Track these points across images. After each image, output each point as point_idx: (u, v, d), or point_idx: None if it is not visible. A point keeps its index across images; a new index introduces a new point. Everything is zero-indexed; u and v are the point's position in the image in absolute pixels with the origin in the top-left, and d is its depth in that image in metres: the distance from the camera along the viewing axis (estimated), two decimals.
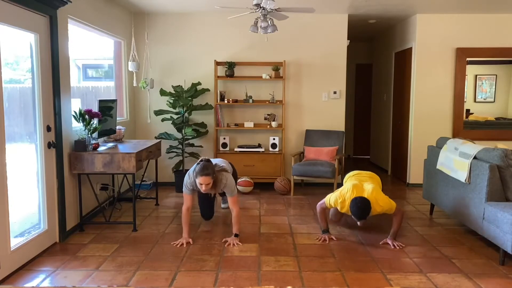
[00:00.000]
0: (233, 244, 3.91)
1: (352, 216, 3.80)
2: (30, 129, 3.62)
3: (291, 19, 6.04)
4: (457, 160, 4.17)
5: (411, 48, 6.48)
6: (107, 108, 4.61)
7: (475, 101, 6.48)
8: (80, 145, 4.17)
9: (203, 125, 6.23)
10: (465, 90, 6.35)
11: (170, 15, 6.25)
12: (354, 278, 3.23)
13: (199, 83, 6.08)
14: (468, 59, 6.30)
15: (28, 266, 3.44)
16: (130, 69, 5.90)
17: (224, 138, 6.26)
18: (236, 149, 6.21)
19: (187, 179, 3.95)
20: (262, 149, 6.19)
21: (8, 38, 3.25)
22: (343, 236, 4.20)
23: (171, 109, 6.12)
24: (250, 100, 6.20)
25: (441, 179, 4.56)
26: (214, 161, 4.15)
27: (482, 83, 6.45)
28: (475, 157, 3.98)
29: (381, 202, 3.82)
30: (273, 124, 6.20)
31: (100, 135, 4.48)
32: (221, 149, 6.27)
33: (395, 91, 7.28)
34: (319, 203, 4.14)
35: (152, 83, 6.18)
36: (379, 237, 4.15)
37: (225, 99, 6.22)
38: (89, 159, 4.14)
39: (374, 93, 8.74)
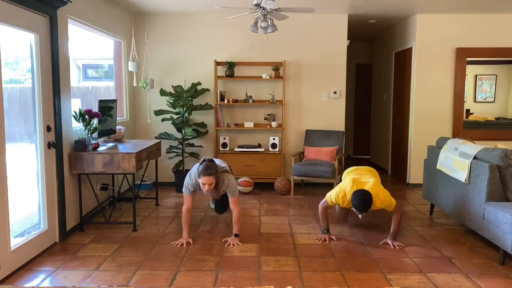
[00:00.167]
0: (233, 244, 3.91)
1: (354, 209, 3.79)
2: (30, 129, 3.62)
3: (291, 19, 6.04)
4: (457, 160, 4.17)
5: (411, 48, 6.48)
6: (107, 108, 4.61)
7: (475, 101, 6.48)
8: (80, 145, 4.17)
9: (203, 125, 6.23)
10: (465, 90, 6.35)
11: (170, 15, 6.25)
12: (354, 278, 3.23)
13: (199, 83, 6.08)
14: (468, 59, 6.30)
15: (28, 266, 3.44)
16: (130, 69, 5.90)
17: (224, 138, 6.26)
18: (236, 149, 6.21)
19: (188, 180, 3.95)
20: (262, 149, 6.19)
21: (8, 38, 3.25)
22: (343, 236, 4.20)
23: (171, 109, 6.12)
24: (250, 100, 6.20)
25: (441, 179, 4.56)
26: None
27: (482, 83, 6.45)
28: (475, 157, 3.98)
29: (382, 196, 3.82)
30: (273, 124, 6.20)
31: (100, 135, 4.48)
32: (221, 149, 6.27)
33: (395, 91, 7.28)
34: (321, 202, 4.13)
35: (152, 83, 6.18)
36: (379, 237, 4.15)
37: (225, 99, 6.22)
38: (89, 159, 4.14)
39: (374, 93, 8.74)
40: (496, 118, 6.48)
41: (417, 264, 3.52)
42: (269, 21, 4.42)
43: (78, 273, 3.32)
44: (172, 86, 6.08)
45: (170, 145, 6.14)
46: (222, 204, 4.60)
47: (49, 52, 3.82)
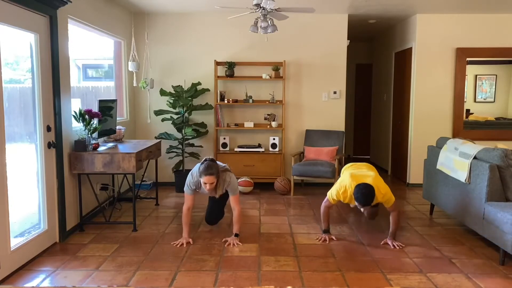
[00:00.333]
0: (233, 244, 3.91)
1: (357, 204, 3.76)
2: (30, 129, 3.62)
3: (291, 19, 6.04)
4: (457, 160, 4.17)
5: (411, 48, 6.48)
6: (107, 108, 4.61)
7: (475, 101, 6.48)
8: (80, 145, 4.17)
9: (203, 125, 6.23)
10: (465, 90, 6.35)
11: (170, 15, 6.25)
12: (354, 278, 3.23)
13: (199, 83, 6.08)
14: (468, 59, 6.30)
15: (28, 266, 3.44)
16: (130, 69, 5.90)
17: (224, 138, 6.26)
18: (236, 149, 6.21)
19: (190, 179, 3.95)
20: (262, 149, 6.19)
21: (8, 38, 3.25)
22: (343, 236, 4.19)
23: (171, 109, 6.12)
24: (250, 100, 6.20)
25: (441, 179, 4.56)
26: None
27: (482, 83, 6.45)
28: (475, 157, 3.98)
29: (383, 190, 3.80)
30: (273, 124, 6.20)
31: (100, 135, 4.48)
32: (221, 149, 6.26)
33: (395, 91, 7.28)
34: (323, 201, 4.09)
35: (152, 83, 6.18)
36: (379, 237, 4.15)
37: (225, 99, 6.22)
38: (89, 159, 4.14)
39: (374, 93, 8.74)
40: (496, 118, 6.48)
41: (417, 264, 3.52)
42: (269, 21, 4.42)
43: (78, 273, 3.32)
44: (172, 86, 6.08)
45: (170, 145, 6.14)
46: (215, 214, 4.46)
47: (49, 52, 3.82)
